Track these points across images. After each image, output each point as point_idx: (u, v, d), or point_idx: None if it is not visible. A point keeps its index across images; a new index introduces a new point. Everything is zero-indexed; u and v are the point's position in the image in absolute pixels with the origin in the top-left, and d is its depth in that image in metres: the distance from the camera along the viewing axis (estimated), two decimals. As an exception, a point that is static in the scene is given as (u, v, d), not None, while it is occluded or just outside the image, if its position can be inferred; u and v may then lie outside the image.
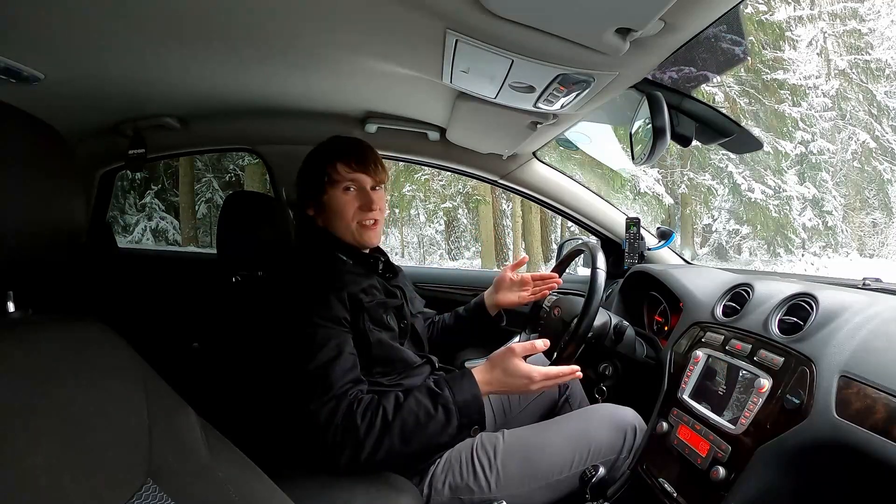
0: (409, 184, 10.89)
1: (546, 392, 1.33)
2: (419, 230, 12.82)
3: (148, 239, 10.47)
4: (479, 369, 0.94)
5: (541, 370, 0.92)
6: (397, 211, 11.74)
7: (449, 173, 10.29)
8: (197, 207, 10.90)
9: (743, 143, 1.17)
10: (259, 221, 1.28)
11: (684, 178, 10.90)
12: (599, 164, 8.70)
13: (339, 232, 1.09)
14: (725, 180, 10.65)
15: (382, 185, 1.11)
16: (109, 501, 0.47)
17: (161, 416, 0.56)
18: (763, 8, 9.90)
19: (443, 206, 11.59)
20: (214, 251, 1.38)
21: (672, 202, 10.64)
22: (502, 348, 0.95)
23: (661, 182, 10.38)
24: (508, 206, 11.88)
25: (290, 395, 0.92)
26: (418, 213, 12.31)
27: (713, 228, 11.31)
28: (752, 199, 10.37)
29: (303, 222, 1.14)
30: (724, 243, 11.21)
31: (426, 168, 10.24)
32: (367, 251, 1.13)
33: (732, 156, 10.22)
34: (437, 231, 12.86)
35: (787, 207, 10.49)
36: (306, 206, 1.12)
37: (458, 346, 1.46)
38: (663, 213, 10.62)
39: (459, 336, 1.36)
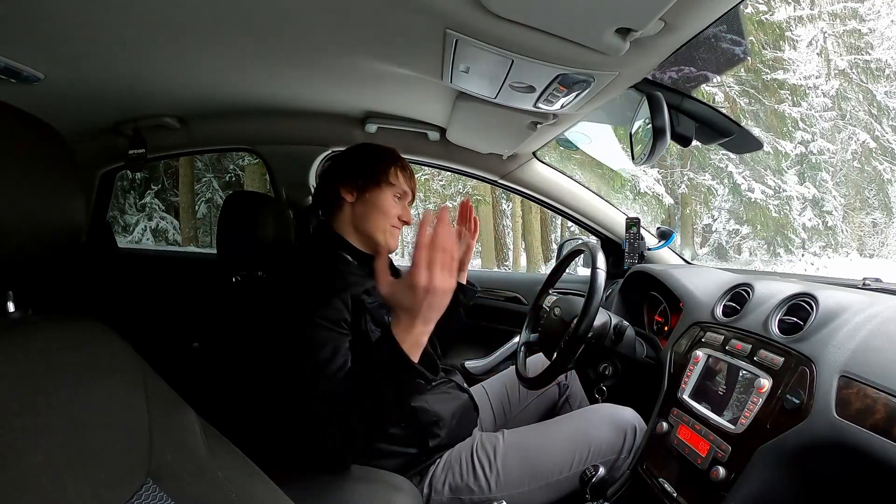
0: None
1: (546, 392, 1.33)
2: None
3: (148, 239, 10.46)
4: (393, 325, 0.81)
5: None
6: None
7: (448, 174, 10.29)
8: (197, 207, 10.89)
9: (743, 143, 1.17)
10: (259, 221, 1.28)
11: (684, 178, 10.89)
12: (599, 164, 8.70)
13: (369, 226, 1.11)
14: (725, 180, 10.64)
15: None
16: (109, 501, 0.47)
17: (161, 416, 0.56)
18: (763, 8, 9.90)
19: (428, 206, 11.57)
20: (214, 251, 1.38)
21: (672, 202, 10.63)
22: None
23: (661, 182, 10.37)
24: (508, 206, 11.86)
25: (287, 393, 0.92)
26: (418, 214, 12.31)
27: (713, 228, 11.30)
28: (752, 199, 10.36)
29: (307, 219, 1.15)
30: (724, 243, 11.19)
31: (426, 168, 10.21)
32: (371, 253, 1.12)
33: (732, 156, 10.22)
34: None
35: (787, 207, 10.48)
36: (346, 188, 1.12)
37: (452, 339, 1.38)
38: (663, 213, 10.61)
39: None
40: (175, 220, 10.90)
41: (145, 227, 10.54)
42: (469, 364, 1.78)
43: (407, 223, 1.17)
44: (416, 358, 0.80)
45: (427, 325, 0.80)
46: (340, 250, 1.10)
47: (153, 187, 10.84)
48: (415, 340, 0.80)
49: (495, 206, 11.25)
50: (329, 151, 1.70)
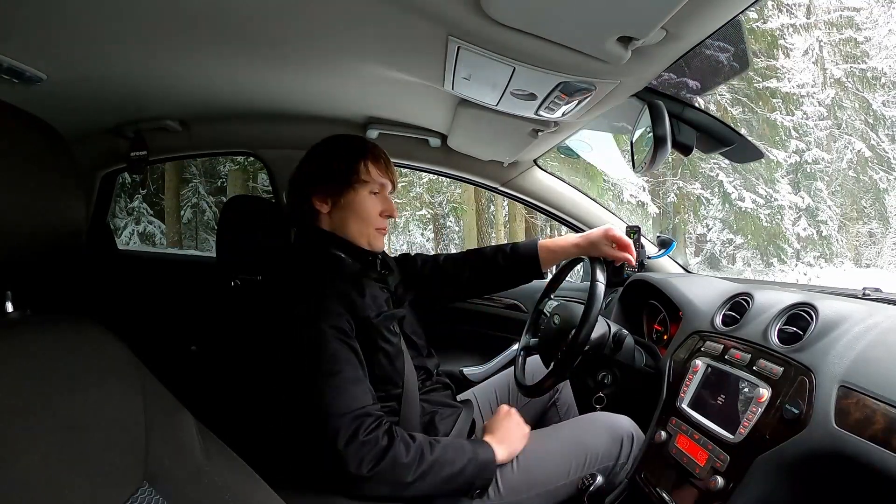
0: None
1: (537, 399, 1.32)
2: (408, 237, 12.78)
3: (135, 243, 10.41)
4: (487, 438, 1.01)
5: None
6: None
7: (431, 179, 10.28)
8: (183, 212, 10.87)
9: (743, 152, 1.17)
10: (258, 226, 1.27)
11: (673, 188, 10.90)
12: (576, 171, 8.64)
13: (351, 232, 1.06)
14: (716, 189, 10.66)
15: None
16: (106, 503, 0.46)
17: (158, 419, 0.56)
18: (754, 16, 9.97)
19: (419, 213, 11.56)
20: (210, 254, 1.38)
21: (656, 211, 10.59)
22: (496, 414, 1.09)
23: (646, 190, 10.34)
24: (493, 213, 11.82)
25: (300, 403, 0.91)
26: (407, 221, 12.27)
27: (707, 238, 11.30)
28: (743, 209, 10.37)
29: (300, 221, 1.09)
30: (718, 253, 11.18)
31: (409, 175, 10.21)
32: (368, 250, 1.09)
33: (723, 164, 10.25)
34: (428, 239, 12.83)
35: (779, 217, 10.49)
36: (319, 199, 1.05)
37: (484, 287, 1.35)
38: (648, 222, 10.59)
39: (496, 278, 1.29)
40: (163, 224, 10.88)
41: (132, 230, 10.50)
42: (467, 371, 1.78)
43: (391, 216, 1.09)
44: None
45: (504, 450, 0.99)
46: (335, 249, 1.05)
47: (141, 191, 10.81)
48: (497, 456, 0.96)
49: (480, 213, 11.23)
50: None
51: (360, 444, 0.85)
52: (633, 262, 1.19)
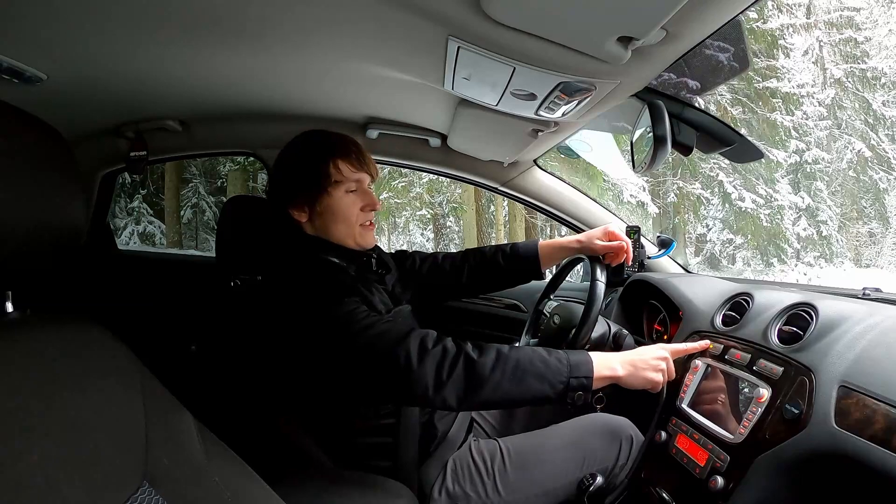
0: (386, 191, 10.66)
1: None
2: (408, 237, 12.79)
3: (135, 243, 10.43)
4: (610, 353, 0.94)
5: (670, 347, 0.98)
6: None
7: (429, 179, 10.27)
8: (182, 212, 10.87)
9: (744, 152, 1.17)
10: (258, 225, 1.27)
11: (673, 187, 10.90)
12: (576, 171, 8.64)
13: (336, 236, 1.02)
14: (716, 189, 10.65)
15: None
16: (105, 503, 0.46)
17: (158, 419, 0.56)
18: (754, 16, 9.96)
19: (419, 213, 11.56)
20: (205, 254, 1.38)
21: (656, 211, 10.59)
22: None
23: (646, 190, 10.33)
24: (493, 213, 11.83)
25: (349, 374, 0.87)
26: (407, 222, 12.28)
27: (707, 238, 11.29)
28: (743, 209, 10.36)
29: (287, 228, 1.05)
30: (718, 253, 11.18)
31: (409, 175, 10.21)
32: (361, 250, 1.07)
33: (723, 164, 10.25)
34: (428, 239, 12.84)
35: (779, 217, 10.49)
36: (296, 210, 1.02)
37: (484, 286, 1.33)
38: (648, 222, 10.59)
39: (495, 278, 1.28)
40: (163, 224, 10.88)
41: (132, 230, 10.50)
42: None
43: (374, 209, 1.04)
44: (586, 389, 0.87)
45: (621, 378, 0.91)
46: (327, 255, 1.02)
47: (141, 191, 10.82)
48: (600, 374, 0.88)
49: (480, 213, 11.24)
50: None
51: (433, 354, 0.83)
52: (629, 261, 1.19)
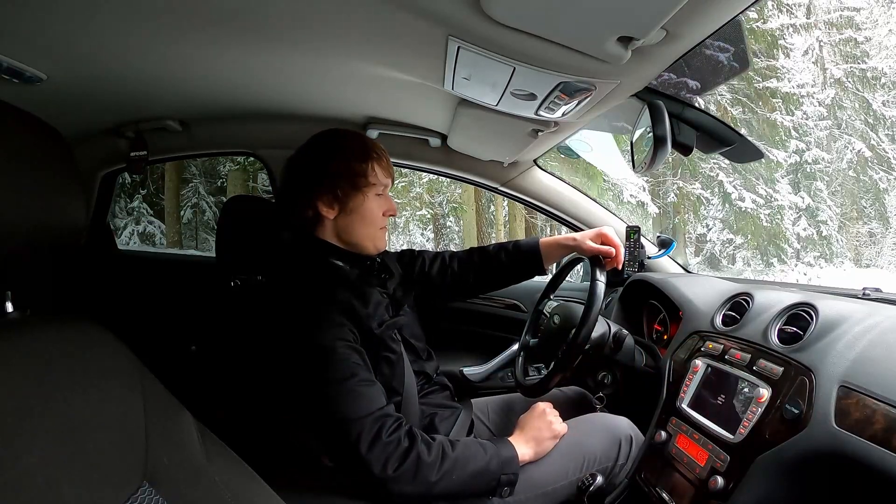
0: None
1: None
2: (408, 237, 12.80)
3: (135, 243, 10.40)
4: (514, 437, 1.01)
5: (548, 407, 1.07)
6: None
7: (430, 179, 10.26)
8: (182, 212, 10.86)
9: (744, 152, 1.17)
10: (258, 226, 1.27)
11: (673, 187, 10.89)
12: (576, 171, 8.64)
13: (357, 236, 1.04)
14: (716, 189, 10.64)
15: None
16: (105, 503, 0.46)
17: (158, 419, 0.56)
18: (754, 16, 9.96)
19: (419, 213, 11.56)
20: (205, 254, 1.38)
21: (656, 211, 10.58)
22: (530, 412, 1.06)
23: (646, 190, 10.32)
24: (493, 213, 11.84)
25: (314, 413, 0.91)
26: (407, 222, 12.29)
27: (707, 238, 11.27)
28: (743, 209, 10.34)
29: (300, 226, 1.06)
30: (718, 253, 11.16)
31: (409, 175, 10.20)
32: (366, 254, 1.08)
33: (723, 164, 10.23)
34: (428, 239, 12.85)
35: (779, 217, 10.48)
36: (326, 205, 1.01)
37: (489, 284, 1.32)
38: (648, 222, 10.58)
39: (499, 275, 1.28)
40: (163, 224, 10.87)
41: (132, 230, 10.49)
42: (467, 371, 1.78)
43: (393, 215, 1.09)
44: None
45: (530, 449, 0.99)
46: (330, 258, 1.03)
47: (141, 191, 10.81)
48: (522, 463, 0.96)
49: (480, 213, 11.24)
50: None
51: (384, 444, 0.84)
52: (619, 265, 1.19)
